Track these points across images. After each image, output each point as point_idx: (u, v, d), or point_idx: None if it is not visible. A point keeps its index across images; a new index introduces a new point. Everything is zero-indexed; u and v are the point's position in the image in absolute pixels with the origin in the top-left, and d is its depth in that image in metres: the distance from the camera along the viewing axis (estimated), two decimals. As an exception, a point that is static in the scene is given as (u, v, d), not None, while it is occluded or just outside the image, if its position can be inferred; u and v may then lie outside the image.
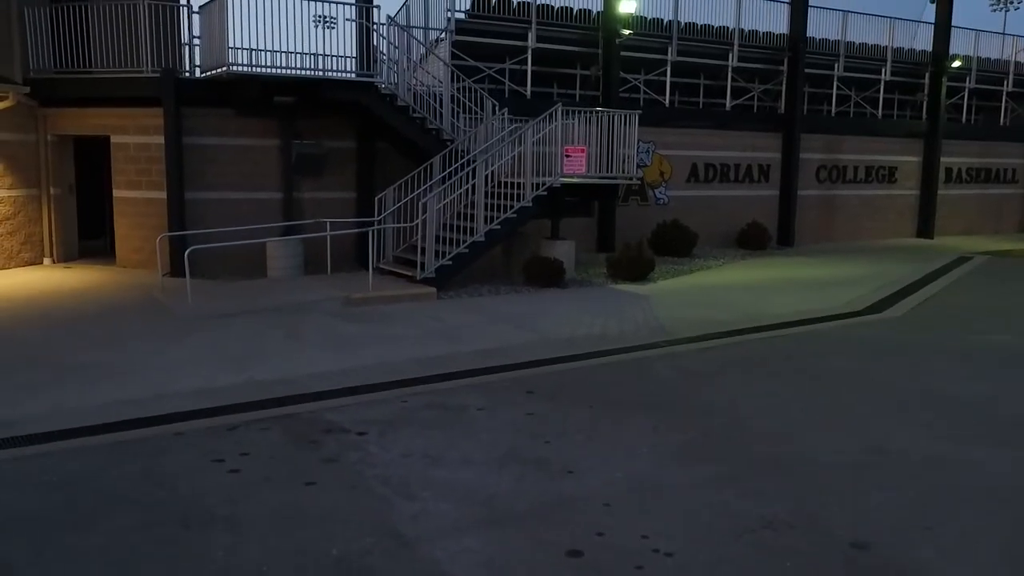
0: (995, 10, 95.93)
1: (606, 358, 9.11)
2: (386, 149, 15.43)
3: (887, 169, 23.12)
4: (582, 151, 13.81)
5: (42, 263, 15.02)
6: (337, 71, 13.88)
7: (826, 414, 7.15)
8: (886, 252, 20.04)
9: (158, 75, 13.77)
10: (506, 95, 17.54)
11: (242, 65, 13.00)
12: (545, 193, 13.53)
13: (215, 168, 14.49)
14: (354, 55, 14.66)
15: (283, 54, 13.54)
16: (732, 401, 7.49)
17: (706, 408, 7.28)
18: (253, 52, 13.23)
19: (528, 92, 17.55)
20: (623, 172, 14.47)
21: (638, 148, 18.27)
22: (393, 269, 13.54)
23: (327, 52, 13.80)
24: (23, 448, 6.06)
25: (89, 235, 16.23)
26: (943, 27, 23.28)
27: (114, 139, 14.55)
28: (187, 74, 14.21)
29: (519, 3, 17.36)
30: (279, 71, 13.36)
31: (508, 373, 8.38)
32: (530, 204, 13.44)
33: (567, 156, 13.64)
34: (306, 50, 13.36)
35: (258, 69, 13.24)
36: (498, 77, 17.44)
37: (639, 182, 14.46)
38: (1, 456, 5.91)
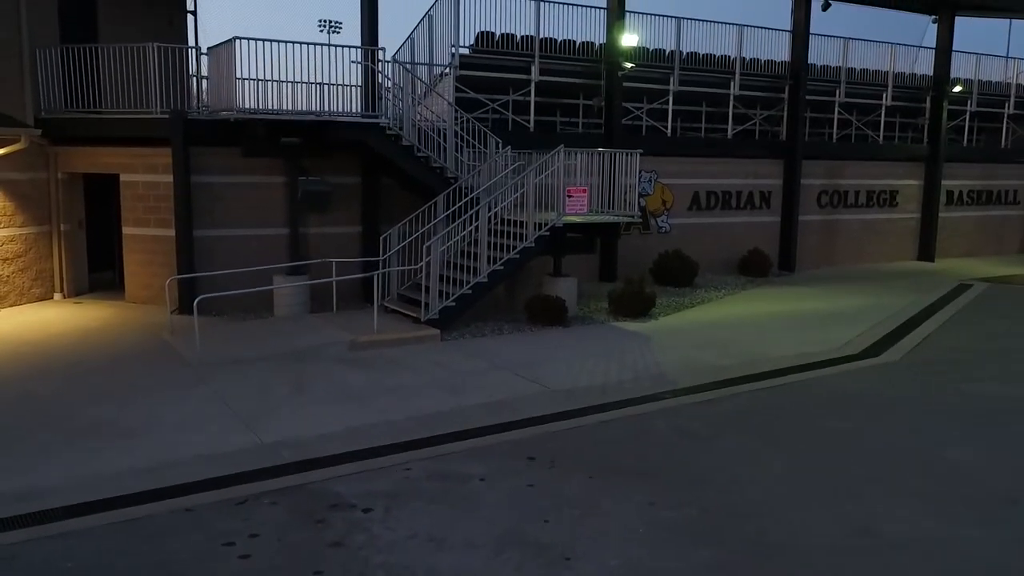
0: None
1: (607, 414, 9.29)
2: (391, 184, 15.64)
3: (888, 193, 23.27)
4: (584, 191, 14.01)
5: (52, 298, 15.26)
6: (343, 112, 14.06)
7: (820, 487, 7.32)
8: (886, 279, 20.18)
9: (167, 116, 13.99)
10: (509, 126, 17.77)
11: (248, 110, 13.20)
12: (547, 233, 13.72)
13: (223, 205, 14.72)
14: (359, 83, 14.89)
15: (289, 96, 13.76)
16: (728, 471, 7.67)
17: (703, 478, 7.46)
18: (260, 96, 13.45)
19: (531, 124, 17.73)
20: (625, 209, 14.66)
21: (640, 177, 18.52)
22: (398, 308, 13.75)
23: (332, 100, 13.98)
24: (40, 527, 6.27)
25: (99, 267, 16.48)
26: (944, 52, 23.41)
27: (123, 177, 14.79)
28: (195, 113, 14.41)
29: (522, 37, 17.54)
30: (285, 114, 13.53)
31: (510, 434, 8.56)
32: (532, 244, 13.63)
33: (569, 196, 13.84)
34: (313, 96, 13.51)
35: (265, 113, 13.42)
36: (501, 110, 17.64)
37: (640, 219, 14.63)
38: (18, 536, 6.13)
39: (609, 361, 11.58)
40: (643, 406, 9.61)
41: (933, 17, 23.66)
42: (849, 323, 14.54)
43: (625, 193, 14.65)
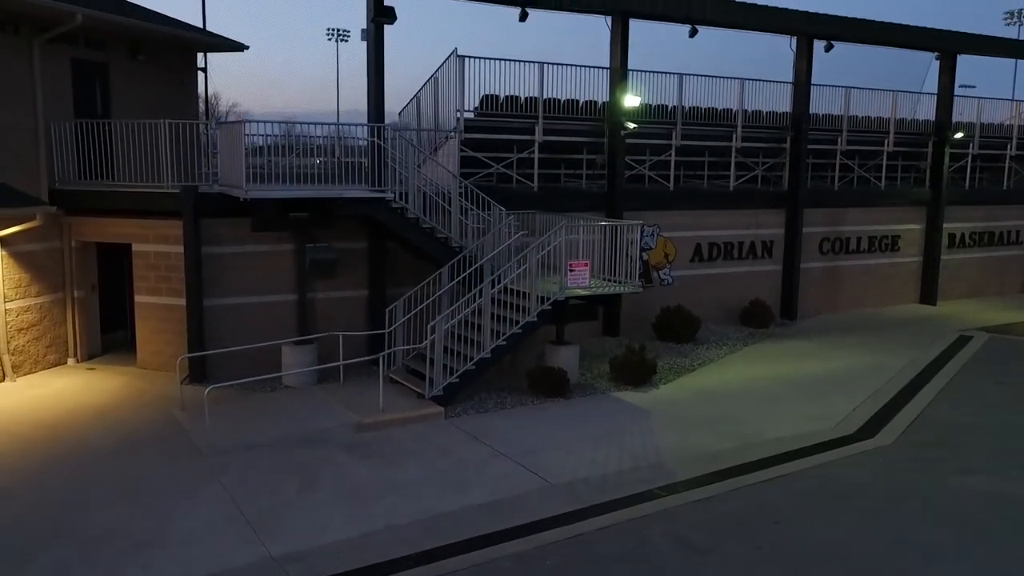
0: (1008, 24, 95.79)
1: (607, 517, 9.55)
2: (396, 248, 15.93)
3: (890, 238, 23.47)
4: (585, 265, 14.27)
5: (66, 363, 15.61)
6: (350, 188, 14.35)
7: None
8: (885, 329, 20.39)
9: (178, 191, 14.32)
10: (513, 183, 18.07)
11: (258, 189, 13.52)
12: (550, 307, 13.99)
13: (232, 274, 15.05)
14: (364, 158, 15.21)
15: (297, 171, 14.09)
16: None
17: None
18: (268, 173, 13.78)
19: (535, 183, 18.01)
20: (627, 277, 14.89)
21: (643, 232, 18.80)
22: (403, 381, 14.03)
23: (340, 174, 14.30)
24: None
25: (111, 327, 16.80)
26: (945, 96, 23.60)
27: (135, 247, 15.13)
28: (206, 186, 14.71)
29: (526, 99, 17.81)
30: (294, 192, 13.85)
31: (513, 544, 8.82)
32: (535, 319, 13.91)
33: (571, 271, 14.10)
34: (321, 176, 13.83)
35: (274, 191, 13.73)
36: (506, 171, 17.92)
37: (641, 288, 14.89)
38: None
39: (609, 446, 11.84)
40: (642, 506, 9.85)
41: (936, 54, 23.79)
42: (846, 391, 14.77)
43: (627, 263, 14.88)
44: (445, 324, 13.52)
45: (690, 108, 20.07)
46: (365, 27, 15.59)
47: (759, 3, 19.00)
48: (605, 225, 14.72)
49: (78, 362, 15.74)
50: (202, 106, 21.67)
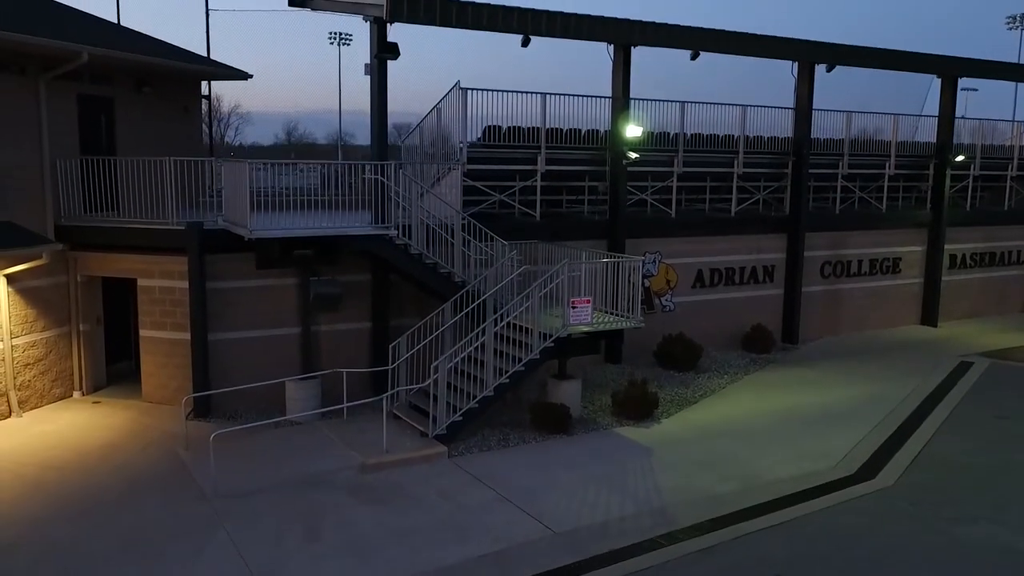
0: (1011, 28, 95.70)
1: (608, 569, 9.64)
2: (399, 280, 16.01)
3: (891, 260, 23.54)
4: (587, 302, 14.35)
5: (72, 396, 15.72)
6: (353, 226, 14.44)
7: None
8: (887, 355, 20.44)
9: (183, 228, 14.42)
10: (516, 212, 18.16)
11: (262, 228, 13.60)
12: (552, 344, 14.08)
13: (236, 309, 15.16)
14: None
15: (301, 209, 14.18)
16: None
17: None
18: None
19: (537, 213, 18.09)
20: (629, 311, 14.97)
21: (644, 259, 18.94)
22: (406, 419, 14.12)
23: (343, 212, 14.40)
24: None
25: (117, 357, 16.91)
26: (946, 118, 23.66)
27: (140, 282, 15.24)
28: (211, 223, 14.78)
29: (529, 128, 17.89)
30: (298, 230, 13.93)
31: (513, 601, 8.93)
32: (538, 356, 14.00)
33: (573, 307, 14.18)
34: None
35: (277, 230, 13.81)
36: (508, 201, 18.00)
37: (643, 324, 14.98)
38: None
39: (611, 489, 11.92)
40: (644, 557, 9.94)
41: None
42: (847, 425, 14.85)
43: (629, 297, 14.94)
44: (448, 363, 13.61)
45: (692, 135, 20.15)
46: (369, 62, 15.65)
47: (760, 32, 19.03)
48: (607, 262, 14.80)
49: (84, 395, 15.85)
50: (205, 129, 21.78)
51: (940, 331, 23.49)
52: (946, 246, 24.14)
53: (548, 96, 17.71)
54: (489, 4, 15.01)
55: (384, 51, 15.17)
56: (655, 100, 19.23)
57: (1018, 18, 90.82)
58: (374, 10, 14.83)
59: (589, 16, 16.26)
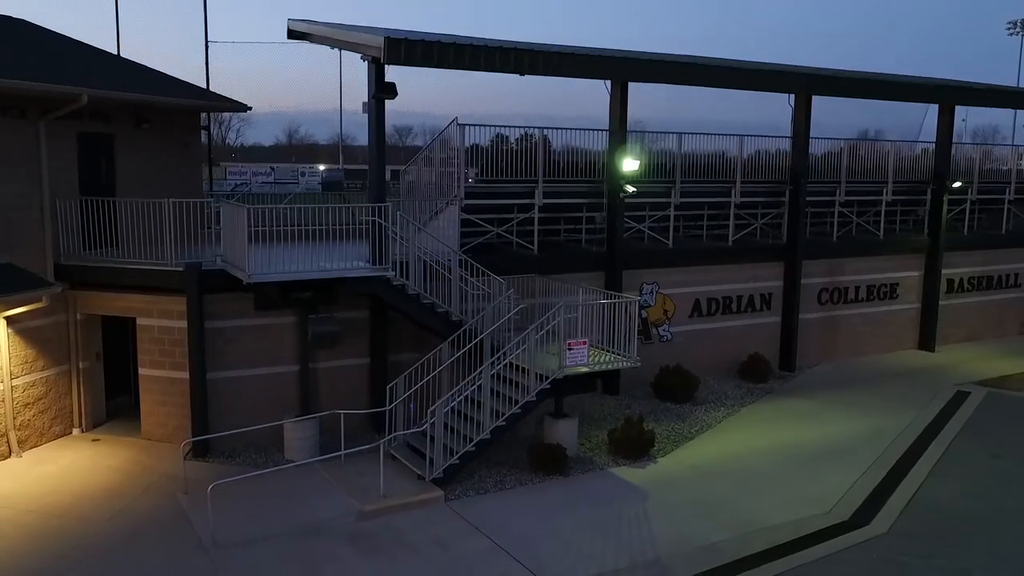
0: (1012, 34, 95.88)
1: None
2: (398, 316, 16.07)
3: (889, 286, 23.61)
4: (584, 343, 14.42)
5: (71, 433, 15.81)
6: (351, 268, 14.51)
7: None
8: (883, 384, 20.48)
9: (181, 269, 14.51)
10: (513, 245, 18.26)
11: (261, 273, 13.68)
12: (548, 386, 14.16)
13: (235, 348, 15.26)
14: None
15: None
16: None
17: None
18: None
19: (535, 247, 18.16)
20: (625, 349, 15.04)
21: (642, 290, 19.03)
22: (404, 460, 14.18)
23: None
24: None
25: (116, 391, 16.96)
26: (944, 145, 23.72)
27: (140, 321, 15.32)
28: (209, 263, 14.85)
29: (527, 162, 17.97)
30: (296, 274, 14.00)
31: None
32: (534, 398, 14.08)
33: (569, 349, 14.26)
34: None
35: (276, 275, 13.88)
36: (506, 235, 18.09)
37: (639, 364, 15.06)
38: None
39: (607, 538, 12.01)
40: (637, 615, 10.04)
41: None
42: (843, 464, 14.93)
43: (625, 336, 15.01)
44: (445, 408, 13.69)
45: (689, 164, 20.23)
46: (367, 101, 15.72)
47: (757, 67, 19.10)
48: (604, 303, 14.88)
49: (83, 431, 15.93)
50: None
51: (937, 356, 23.55)
52: (944, 271, 24.20)
53: (546, 130, 17.81)
54: (486, 45, 15.07)
55: (382, 92, 15.24)
56: (653, 131, 19.35)
57: (1019, 24, 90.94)
58: (372, 51, 14.90)
59: (586, 55, 16.32)
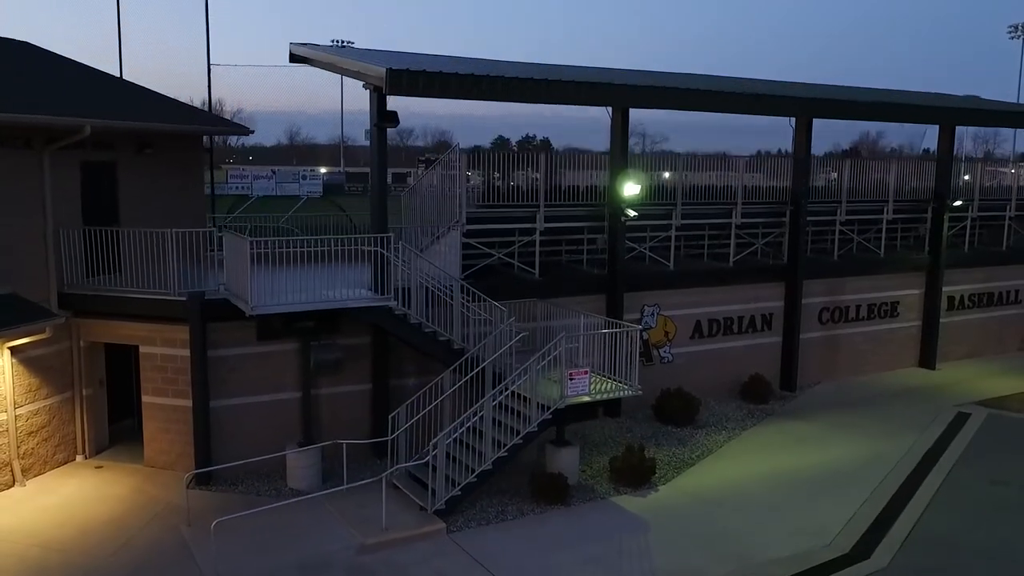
0: (1013, 37, 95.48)
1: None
2: (398, 342, 16.13)
3: (889, 304, 23.64)
4: (585, 373, 14.48)
5: (75, 459, 15.87)
6: (353, 299, 14.57)
7: None
8: (884, 405, 20.51)
9: (184, 298, 14.57)
10: (515, 269, 18.32)
11: (264, 305, 13.73)
12: (550, 416, 14.21)
13: (237, 375, 15.33)
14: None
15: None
16: None
17: None
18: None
19: (536, 271, 18.20)
20: (626, 378, 15.09)
21: (643, 312, 19.09)
22: (405, 490, 14.23)
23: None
24: None
25: (119, 416, 17.02)
26: (944, 162, 23.77)
27: (143, 349, 15.39)
28: (212, 293, 14.90)
29: (528, 187, 18.04)
30: (298, 305, 14.06)
31: None
32: (536, 429, 14.14)
33: (571, 379, 14.31)
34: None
35: (278, 306, 13.93)
36: (507, 259, 18.15)
37: (641, 392, 15.12)
38: None
39: (607, 574, 12.05)
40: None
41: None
42: (843, 493, 14.98)
43: (627, 360, 15.07)
44: (447, 440, 13.75)
45: (690, 186, 20.30)
46: (368, 129, 15.78)
47: (758, 91, 19.16)
48: (605, 333, 14.94)
49: (86, 458, 15.99)
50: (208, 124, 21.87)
51: (938, 375, 23.57)
52: (944, 288, 24.23)
53: (548, 153, 17.84)
54: (488, 75, 15.13)
55: (383, 120, 15.31)
56: (654, 154, 19.37)
57: (1020, 27, 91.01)
58: (374, 80, 14.96)
59: (588, 83, 16.35)
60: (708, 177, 20.59)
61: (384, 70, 14.21)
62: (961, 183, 24.78)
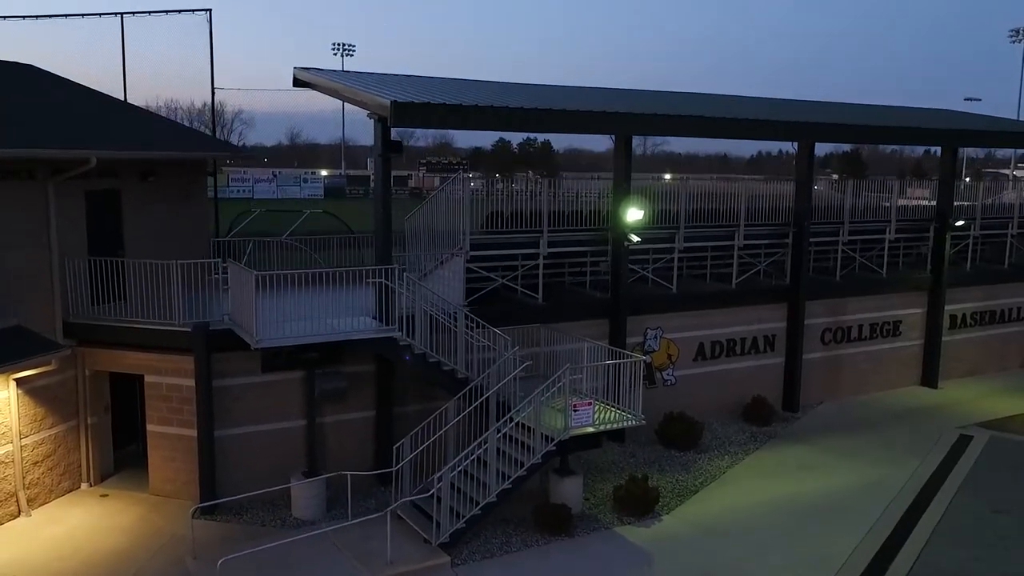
0: (1014, 42, 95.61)
1: None
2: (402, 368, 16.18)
3: (892, 323, 23.68)
4: (589, 404, 14.55)
5: (80, 487, 15.91)
6: (358, 331, 14.63)
7: None
8: (886, 427, 20.53)
9: (189, 329, 14.62)
10: (518, 294, 18.36)
11: (269, 338, 13.80)
12: (554, 448, 14.26)
13: (242, 404, 15.38)
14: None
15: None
16: None
17: None
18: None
19: (540, 296, 18.25)
20: (630, 406, 15.13)
21: (646, 335, 19.15)
22: (410, 521, 14.25)
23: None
24: None
25: (124, 441, 17.07)
26: (947, 183, 23.81)
27: (148, 378, 15.45)
28: (217, 323, 14.95)
29: (531, 213, 18.09)
30: (304, 338, 14.12)
31: None
32: (540, 460, 14.19)
33: (575, 411, 14.37)
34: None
35: (284, 339, 13.99)
36: (511, 285, 18.19)
37: (644, 422, 15.18)
38: None
39: (612, 610, 12.12)
40: None
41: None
42: (846, 522, 15.03)
43: (631, 389, 15.12)
44: (451, 473, 13.80)
45: (693, 209, 20.34)
46: (372, 158, 15.83)
47: (759, 120, 19.22)
48: (608, 364, 14.99)
49: (91, 486, 16.04)
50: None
51: (940, 394, 23.60)
52: (946, 307, 24.26)
53: (551, 180, 17.91)
54: (491, 106, 15.19)
55: (388, 150, 15.37)
56: (656, 177, 19.41)
57: (1021, 32, 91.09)
58: (378, 110, 15.02)
59: (590, 112, 16.40)
60: (711, 201, 20.60)
61: (389, 102, 14.27)
62: (963, 186, 24.73)
